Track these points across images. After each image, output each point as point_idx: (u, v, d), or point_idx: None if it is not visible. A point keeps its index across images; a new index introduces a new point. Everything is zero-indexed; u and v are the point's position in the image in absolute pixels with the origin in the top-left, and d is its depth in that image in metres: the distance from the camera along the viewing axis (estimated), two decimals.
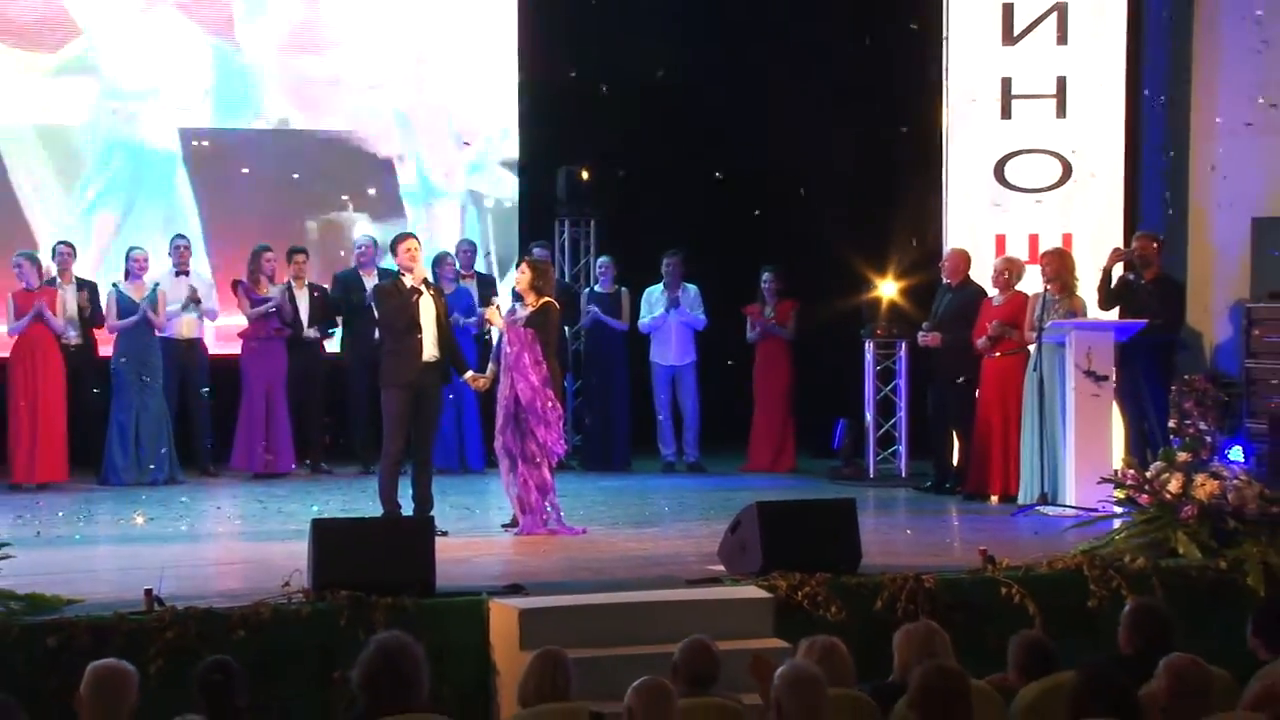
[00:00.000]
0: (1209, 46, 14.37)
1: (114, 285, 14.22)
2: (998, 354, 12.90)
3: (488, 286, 14.78)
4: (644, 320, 15.12)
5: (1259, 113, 13.77)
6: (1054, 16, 13.89)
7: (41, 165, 15.53)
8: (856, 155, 15.43)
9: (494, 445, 11.56)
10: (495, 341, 12.00)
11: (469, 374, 11.69)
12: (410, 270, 11.26)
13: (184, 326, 14.42)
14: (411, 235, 11.77)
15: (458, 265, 14.98)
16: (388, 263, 13.95)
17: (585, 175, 15.93)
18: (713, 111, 16.00)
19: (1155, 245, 13.05)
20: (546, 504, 11.23)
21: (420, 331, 11.18)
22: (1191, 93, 14.42)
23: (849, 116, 15.35)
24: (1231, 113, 14.12)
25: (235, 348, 14.60)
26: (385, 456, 11.25)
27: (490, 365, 11.77)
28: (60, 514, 12.24)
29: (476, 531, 11.27)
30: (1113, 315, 12.77)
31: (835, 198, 15.56)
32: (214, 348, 14.76)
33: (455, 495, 12.48)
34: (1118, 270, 12.94)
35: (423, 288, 11.27)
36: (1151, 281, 12.85)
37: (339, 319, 14.80)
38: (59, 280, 14.09)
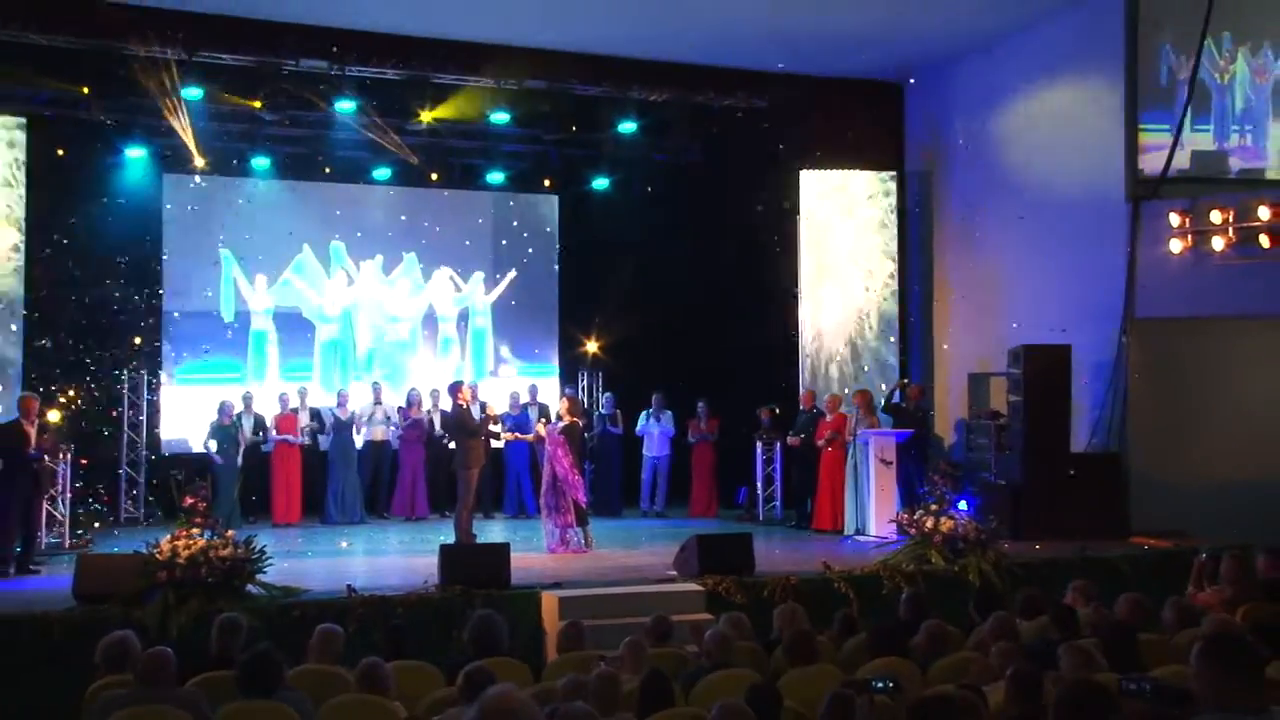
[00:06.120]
0: (942, 293, 14.63)
1: (331, 410, 14.18)
2: (830, 448, 12.95)
3: (544, 410, 14.71)
4: (639, 429, 14.96)
5: (971, 324, 14.03)
6: None
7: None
8: (754, 340, 15.34)
9: (540, 502, 11.63)
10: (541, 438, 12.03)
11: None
12: (469, 402, 11.40)
13: (376, 432, 14.38)
14: (462, 381, 11.97)
15: (525, 398, 15.02)
16: None
17: (590, 347, 15.98)
18: (677, 310, 15.89)
19: (906, 385, 13.30)
20: (570, 535, 11.24)
21: (483, 437, 11.44)
22: (933, 309, 14.67)
23: (752, 319, 15.38)
24: (957, 323, 14.37)
25: (397, 442, 14.51)
26: (466, 509, 11.12)
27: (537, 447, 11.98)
28: (299, 540, 12.23)
29: (533, 551, 11.10)
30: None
31: (740, 359, 15.47)
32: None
33: (522, 531, 12.33)
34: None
35: (481, 415, 11.58)
36: (913, 406, 13.05)
37: None
38: (299, 407, 14.08)
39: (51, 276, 12.56)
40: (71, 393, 12.62)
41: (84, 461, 12.48)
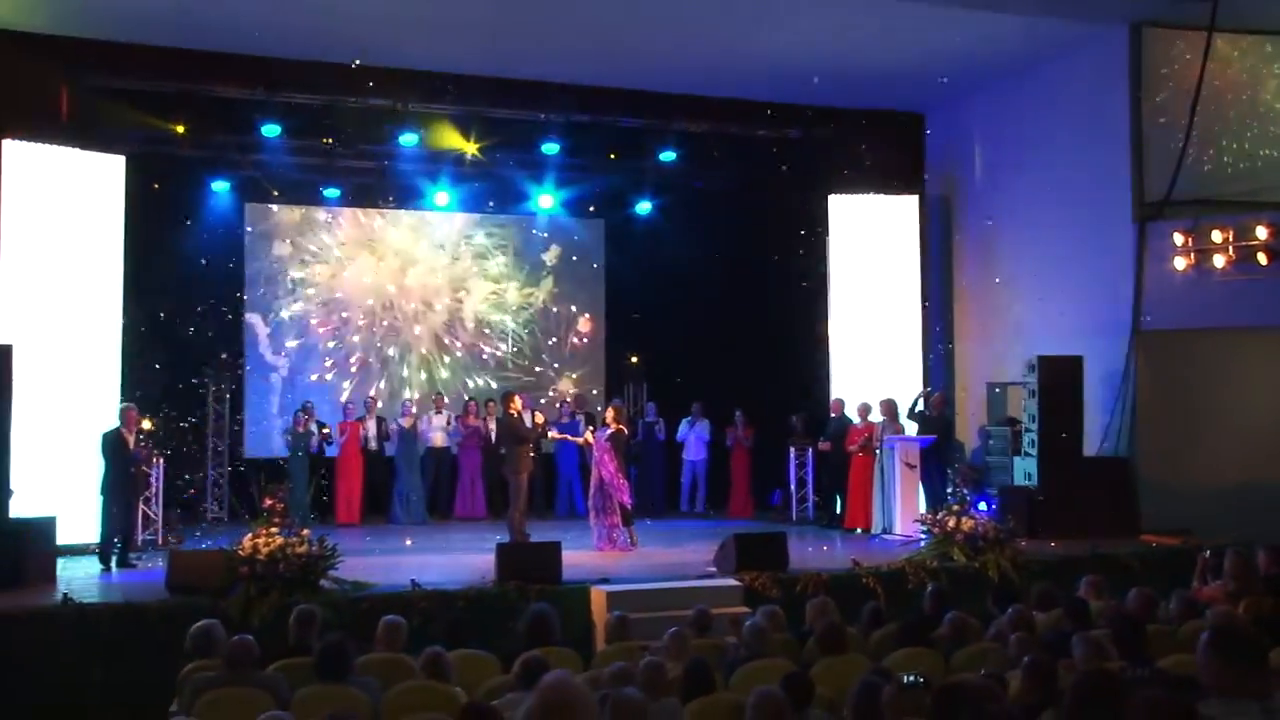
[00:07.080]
0: (962, 307, 14.49)
1: (395, 419, 14.33)
2: (860, 453, 12.89)
3: (592, 418, 14.80)
4: (679, 434, 15.03)
5: (989, 336, 13.90)
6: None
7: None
8: (787, 352, 15.24)
9: (589, 504, 11.65)
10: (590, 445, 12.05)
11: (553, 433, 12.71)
12: (520, 411, 11.26)
13: (436, 439, 14.48)
14: (514, 392, 11.75)
15: (572, 407, 15.04)
16: None
17: (635, 360, 16.02)
18: (715, 325, 15.81)
19: (930, 394, 13.17)
20: (617, 534, 11.24)
21: (532, 444, 11.39)
22: (954, 323, 14.55)
23: (785, 333, 15.30)
24: (976, 336, 14.25)
25: (455, 448, 14.59)
26: (518, 511, 11.06)
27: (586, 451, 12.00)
28: (367, 539, 12.22)
29: (582, 549, 10.99)
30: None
31: (773, 370, 15.42)
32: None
33: (573, 531, 12.25)
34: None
35: (531, 423, 11.49)
36: (935, 414, 12.95)
37: None
38: (366, 415, 14.18)
39: (146, 296, 12.82)
40: (162, 402, 12.84)
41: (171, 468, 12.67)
